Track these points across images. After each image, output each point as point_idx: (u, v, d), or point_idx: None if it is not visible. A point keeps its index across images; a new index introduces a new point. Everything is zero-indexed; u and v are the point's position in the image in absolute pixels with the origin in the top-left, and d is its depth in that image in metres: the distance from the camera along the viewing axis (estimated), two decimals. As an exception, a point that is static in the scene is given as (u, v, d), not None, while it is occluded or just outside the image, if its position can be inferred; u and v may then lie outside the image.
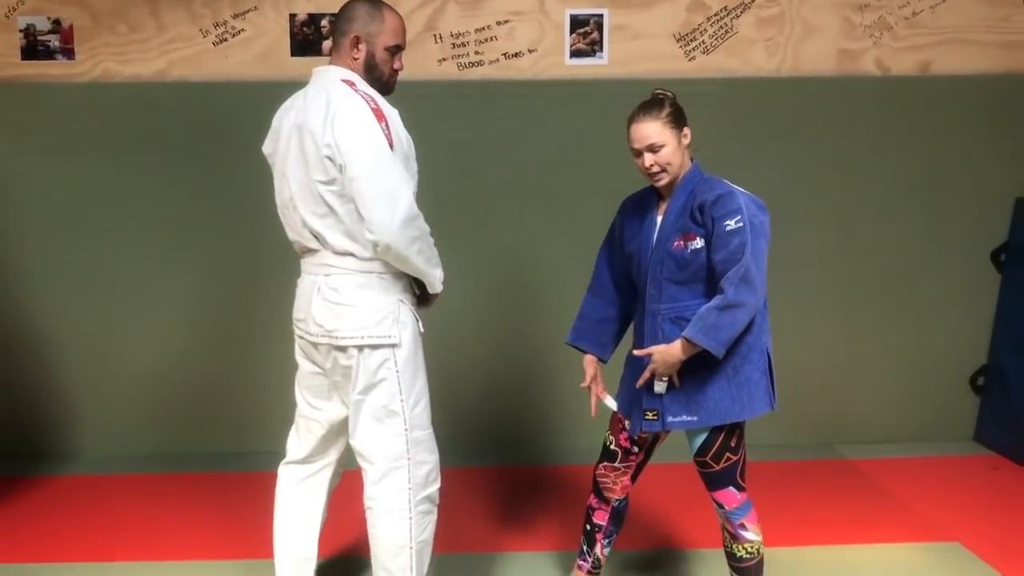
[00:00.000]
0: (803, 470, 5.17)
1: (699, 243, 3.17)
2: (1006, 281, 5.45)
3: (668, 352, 3.16)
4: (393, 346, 3.19)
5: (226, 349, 5.34)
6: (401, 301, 3.24)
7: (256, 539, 3.82)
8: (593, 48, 5.22)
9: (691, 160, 3.29)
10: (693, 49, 5.26)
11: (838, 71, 5.32)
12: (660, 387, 3.23)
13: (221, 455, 5.29)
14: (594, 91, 5.14)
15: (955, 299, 5.51)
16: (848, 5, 5.26)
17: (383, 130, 3.05)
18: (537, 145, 5.14)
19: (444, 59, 5.19)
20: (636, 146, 3.20)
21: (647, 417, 3.30)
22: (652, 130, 3.16)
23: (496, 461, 5.27)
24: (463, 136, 5.14)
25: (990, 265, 5.48)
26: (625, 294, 3.49)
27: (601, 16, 5.20)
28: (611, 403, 3.51)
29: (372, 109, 3.07)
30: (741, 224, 3.12)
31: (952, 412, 5.63)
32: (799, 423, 5.52)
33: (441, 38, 5.18)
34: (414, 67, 5.10)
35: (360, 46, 3.23)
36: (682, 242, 3.19)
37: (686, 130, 3.22)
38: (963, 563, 4.09)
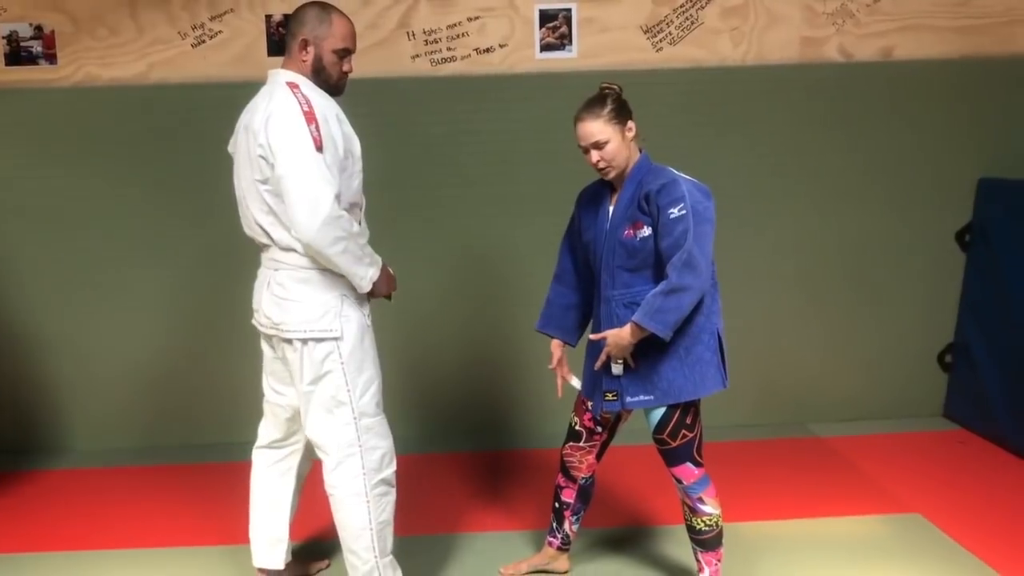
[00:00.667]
0: (775, 448, 5.31)
1: (647, 231, 3.30)
2: (971, 261, 5.57)
3: (620, 336, 3.30)
4: (336, 339, 3.33)
5: (206, 344, 5.49)
6: (344, 296, 3.36)
7: (236, 525, 3.97)
8: (562, 42, 5.35)
9: (640, 151, 3.42)
10: (660, 40, 5.38)
11: (802, 59, 5.43)
12: (617, 369, 3.38)
13: (203, 446, 5.45)
14: (564, 84, 5.24)
15: (922, 279, 5.64)
16: (810, -7, 5.40)
17: (312, 132, 3.15)
18: (509, 138, 5.26)
19: (417, 55, 5.32)
20: (582, 144, 3.34)
21: (607, 398, 3.45)
22: (595, 128, 3.29)
23: (471, 447, 5.42)
24: (436, 130, 5.27)
25: (955, 245, 5.60)
26: (587, 281, 3.64)
27: (569, 10, 5.32)
28: (576, 383, 3.68)
29: (304, 112, 3.18)
30: (684, 211, 3.23)
31: (921, 389, 5.77)
32: (772, 403, 5.69)
33: (414, 35, 5.31)
34: (388, 64, 5.27)
35: (308, 49, 3.35)
36: (631, 231, 3.32)
37: (630, 124, 3.34)
38: (922, 534, 4.23)
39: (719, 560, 3.57)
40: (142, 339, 5.49)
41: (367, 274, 3.33)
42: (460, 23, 5.31)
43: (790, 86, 5.42)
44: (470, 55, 5.34)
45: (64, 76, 5.28)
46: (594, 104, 3.33)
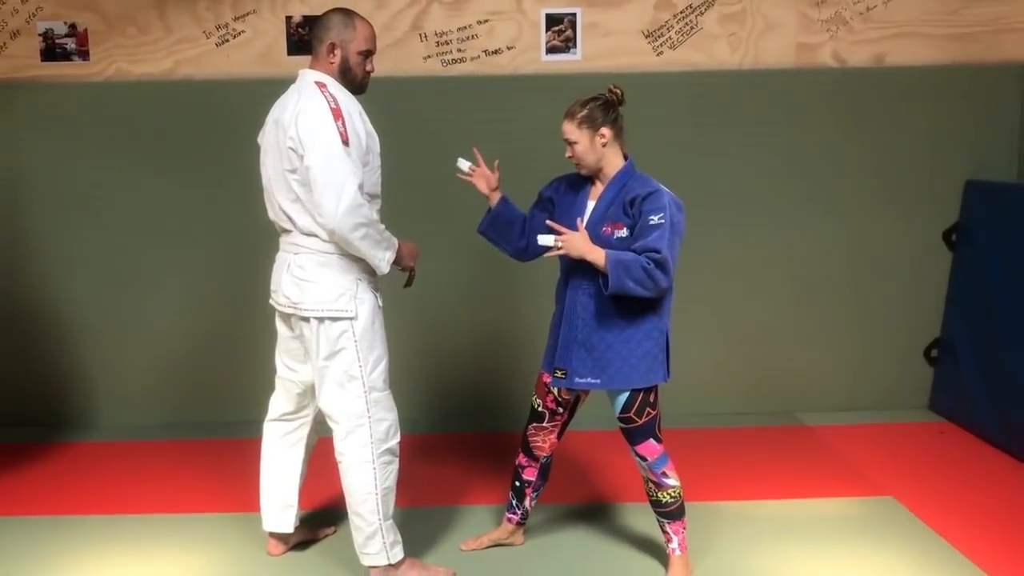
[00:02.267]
0: (764, 435, 5.57)
1: (625, 232, 3.59)
2: (957, 259, 5.81)
3: (586, 242, 3.51)
4: (351, 319, 3.62)
5: (229, 327, 5.78)
6: (359, 279, 3.66)
7: (249, 495, 4.23)
8: (567, 45, 5.62)
9: (625, 158, 3.71)
10: (661, 45, 5.64)
11: (797, 64, 5.68)
12: (548, 240, 3.54)
13: (224, 423, 5.73)
14: (568, 85, 5.38)
15: (910, 276, 5.87)
16: (806, 1, 5.63)
17: (339, 128, 3.47)
18: (515, 136, 5.47)
19: (429, 56, 5.61)
20: (563, 138, 3.65)
21: (556, 375, 3.74)
22: (567, 128, 3.63)
23: (471, 428, 5.76)
24: (446, 128, 5.51)
25: (942, 244, 5.84)
26: (529, 241, 3.93)
27: (575, 15, 5.59)
28: (464, 164, 3.96)
29: (332, 109, 3.50)
30: (663, 220, 3.52)
31: (908, 382, 6.01)
32: (763, 393, 5.94)
33: (426, 37, 5.59)
34: (401, 64, 5.54)
35: (336, 52, 3.67)
36: (610, 228, 3.60)
37: (603, 131, 3.61)
38: (893, 516, 4.47)
39: (684, 528, 3.85)
40: (170, 323, 5.79)
41: (385, 256, 3.62)
42: (470, 26, 5.59)
43: (785, 90, 5.67)
44: (479, 56, 5.62)
45: (96, 72, 5.60)
46: (574, 106, 3.63)
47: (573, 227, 3.62)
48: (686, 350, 5.43)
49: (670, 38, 5.63)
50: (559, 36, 5.60)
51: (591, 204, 3.71)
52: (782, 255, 5.80)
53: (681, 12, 5.61)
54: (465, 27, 5.59)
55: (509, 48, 5.62)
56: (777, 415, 5.88)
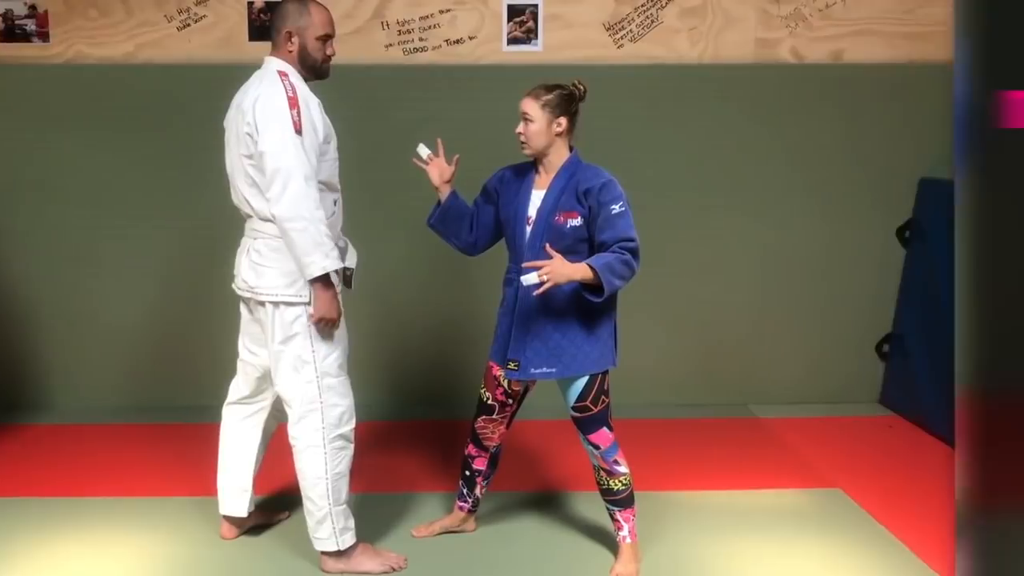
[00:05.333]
0: (716, 427, 5.64)
1: (579, 221, 3.63)
2: (909, 256, 5.89)
3: (567, 265, 3.50)
4: (305, 304, 3.65)
5: (187, 310, 5.78)
6: None
7: (206, 479, 4.26)
8: (528, 36, 5.65)
9: (571, 149, 3.75)
10: (621, 38, 5.68)
11: (756, 59, 5.74)
12: (531, 278, 3.47)
13: (185, 407, 5.72)
14: (529, 76, 5.34)
15: (864, 272, 5.95)
16: (766, -3, 5.70)
17: (293, 116, 3.51)
18: (475, 126, 5.46)
19: (390, 45, 5.62)
20: (519, 112, 3.68)
21: (509, 366, 3.77)
22: (530, 106, 3.65)
23: (431, 416, 5.79)
24: (406, 116, 5.50)
25: (895, 241, 5.92)
26: (479, 236, 4.01)
27: (536, 6, 5.62)
28: (423, 151, 4.00)
29: (289, 97, 3.54)
30: (624, 208, 3.60)
31: (860, 376, 6.09)
32: (716, 384, 6.02)
33: (388, 25, 5.60)
34: (362, 52, 5.55)
35: (293, 39, 3.70)
36: (563, 217, 3.64)
37: (562, 119, 3.66)
38: (839, 507, 4.56)
39: (634, 516, 3.91)
40: (125, 305, 5.78)
41: (320, 261, 3.52)
42: (432, 15, 5.61)
43: (744, 85, 5.72)
44: (441, 46, 5.64)
45: (56, 54, 5.57)
46: (542, 88, 3.68)
47: (523, 219, 3.70)
48: (641, 341, 5.49)
49: (631, 31, 5.67)
50: (521, 27, 5.63)
51: (537, 193, 3.74)
52: (738, 249, 5.86)
53: (642, 5, 5.64)
54: (427, 16, 5.61)
55: (471, 38, 5.64)
56: (730, 407, 5.95)
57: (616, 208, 3.57)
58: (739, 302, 5.93)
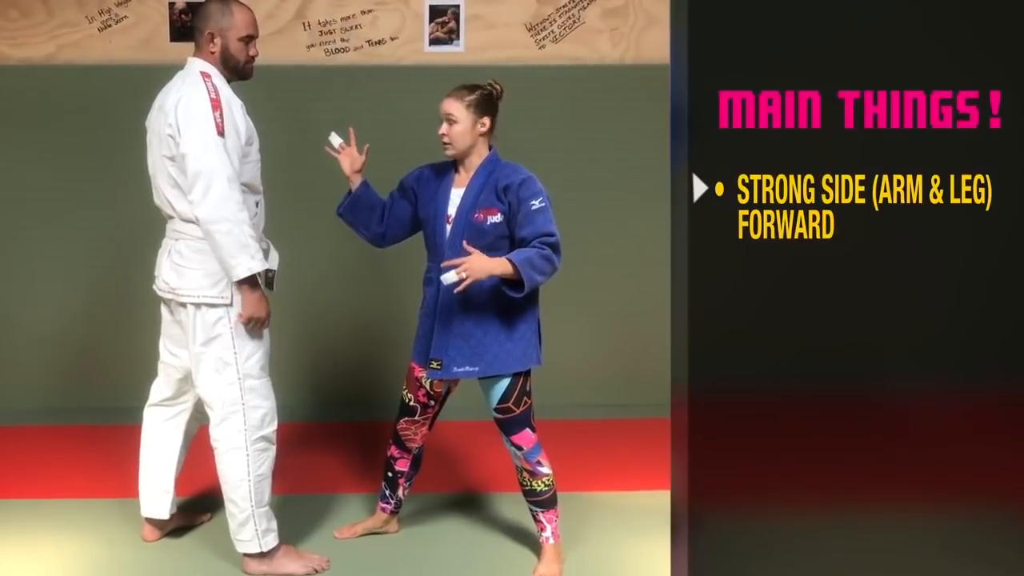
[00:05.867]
0: (637, 427, 5.63)
1: (499, 218, 3.69)
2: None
3: (486, 260, 3.53)
4: (227, 306, 3.67)
5: (107, 312, 5.74)
6: None
7: (128, 481, 4.25)
8: (450, 36, 5.69)
9: (490, 148, 3.80)
10: (543, 38, 5.73)
11: (677, 59, 5.79)
12: (451, 277, 3.49)
13: (102, 409, 5.65)
14: (451, 76, 5.37)
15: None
16: (687, -2, 5.73)
17: (216, 118, 3.54)
18: (397, 127, 5.46)
19: (312, 45, 5.64)
20: (441, 113, 3.72)
21: (431, 366, 3.78)
22: (453, 106, 3.70)
23: (350, 418, 5.78)
24: (328, 117, 5.33)
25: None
26: (391, 229, 4.03)
27: (458, 6, 5.66)
28: (334, 139, 4.02)
29: (211, 99, 3.56)
30: (544, 204, 3.65)
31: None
32: (639, 384, 5.99)
33: (309, 26, 5.62)
34: (283, 52, 5.55)
35: (215, 40, 3.72)
36: (483, 215, 3.70)
37: (486, 119, 3.72)
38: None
39: (557, 516, 3.94)
40: (44, 307, 5.73)
41: (244, 263, 3.55)
42: (354, 15, 5.63)
43: (665, 85, 5.68)
44: (363, 46, 5.66)
45: (-27, 55, 5.51)
46: (464, 88, 3.73)
47: (442, 218, 3.75)
48: (562, 341, 5.51)
49: (552, 31, 5.72)
50: (442, 28, 5.67)
51: (457, 192, 3.79)
52: (658, 248, 5.85)
53: (563, 6, 5.70)
54: (349, 17, 5.62)
55: (392, 39, 5.67)
56: (653, 407, 5.95)
57: (536, 204, 3.63)
58: (660, 301, 5.93)
